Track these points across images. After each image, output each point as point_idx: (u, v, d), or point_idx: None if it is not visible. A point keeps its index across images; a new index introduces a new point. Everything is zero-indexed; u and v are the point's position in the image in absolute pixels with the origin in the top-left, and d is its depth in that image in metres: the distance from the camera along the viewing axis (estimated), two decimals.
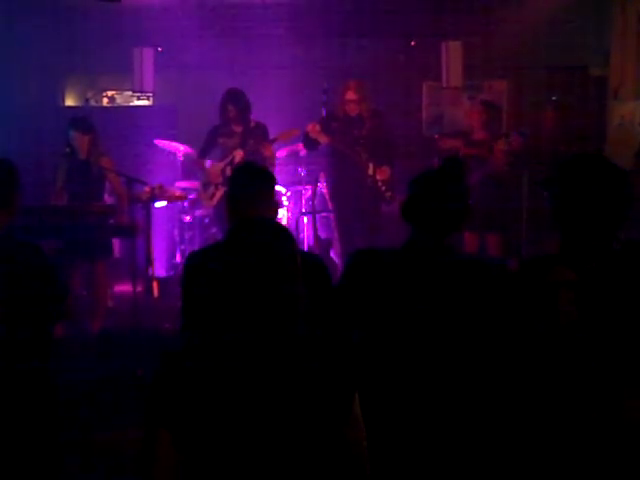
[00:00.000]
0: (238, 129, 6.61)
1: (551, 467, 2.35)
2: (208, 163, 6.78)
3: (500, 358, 2.48)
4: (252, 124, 6.63)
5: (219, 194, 6.61)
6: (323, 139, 6.50)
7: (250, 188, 3.02)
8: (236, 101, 6.54)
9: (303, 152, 7.21)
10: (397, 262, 2.62)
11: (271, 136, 6.66)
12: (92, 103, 8.73)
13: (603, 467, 2.28)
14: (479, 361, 2.52)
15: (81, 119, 6.02)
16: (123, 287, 6.83)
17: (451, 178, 2.66)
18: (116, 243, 6.43)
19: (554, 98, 8.07)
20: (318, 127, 6.47)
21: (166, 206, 6.98)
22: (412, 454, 2.53)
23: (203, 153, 6.84)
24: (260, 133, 6.61)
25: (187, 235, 7.25)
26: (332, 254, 6.96)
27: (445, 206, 2.61)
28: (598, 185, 2.34)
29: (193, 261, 3.17)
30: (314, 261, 3.04)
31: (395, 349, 2.56)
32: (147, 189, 6.02)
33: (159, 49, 8.08)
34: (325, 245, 6.99)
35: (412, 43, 8.66)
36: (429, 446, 2.53)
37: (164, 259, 7.64)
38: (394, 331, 2.56)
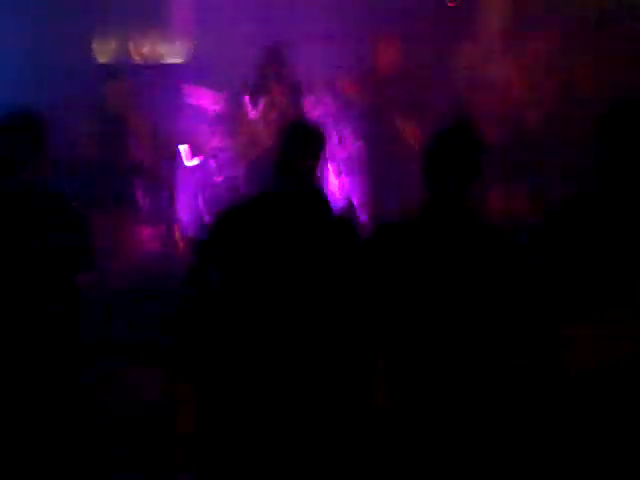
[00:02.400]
0: (274, 86, 6.56)
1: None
2: (247, 118, 6.74)
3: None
4: (289, 81, 6.57)
5: (251, 152, 6.62)
6: (357, 99, 6.46)
7: (302, 145, 3.03)
8: (274, 58, 6.52)
9: (337, 112, 7.14)
10: (417, 231, 2.61)
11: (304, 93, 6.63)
12: (124, 59, 8.68)
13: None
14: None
15: (117, 72, 6.05)
16: (149, 244, 6.84)
17: (464, 134, 2.70)
18: (145, 201, 6.42)
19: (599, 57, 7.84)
20: (352, 87, 6.44)
21: (196, 165, 6.97)
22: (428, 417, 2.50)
23: (242, 110, 6.79)
24: (297, 90, 6.57)
25: (216, 194, 7.22)
26: (363, 216, 6.90)
27: (460, 159, 2.63)
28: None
29: (223, 216, 3.15)
30: (345, 222, 3.04)
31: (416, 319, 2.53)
32: (178, 147, 6.02)
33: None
34: (357, 207, 6.93)
35: (450, 4, 8.51)
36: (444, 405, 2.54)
37: (192, 218, 7.63)
38: (416, 299, 2.53)
